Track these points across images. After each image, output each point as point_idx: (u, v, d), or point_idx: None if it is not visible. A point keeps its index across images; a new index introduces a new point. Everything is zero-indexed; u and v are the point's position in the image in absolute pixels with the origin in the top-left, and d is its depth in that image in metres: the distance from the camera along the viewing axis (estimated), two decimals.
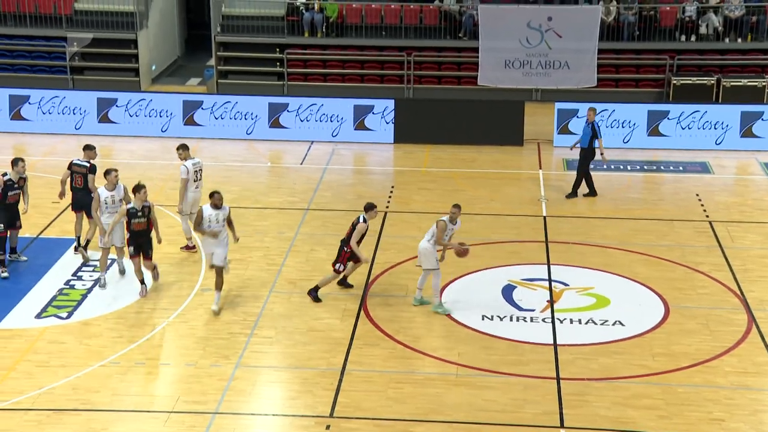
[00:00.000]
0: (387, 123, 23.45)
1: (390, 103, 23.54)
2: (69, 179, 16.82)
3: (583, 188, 20.25)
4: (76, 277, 16.29)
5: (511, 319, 15.21)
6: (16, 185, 16.02)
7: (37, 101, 23.53)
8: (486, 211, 19.50)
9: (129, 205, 15.31)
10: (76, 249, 16.88)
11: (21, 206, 16.19)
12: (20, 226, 16.41)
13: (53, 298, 15.54)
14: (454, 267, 16.85)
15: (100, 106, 23.53)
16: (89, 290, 15.84)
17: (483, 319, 15.18)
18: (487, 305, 15.57)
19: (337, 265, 15.50)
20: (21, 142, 22.95)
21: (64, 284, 16.01)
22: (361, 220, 15.31)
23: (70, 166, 16.86)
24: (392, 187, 20.89)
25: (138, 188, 15.23)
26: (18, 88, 23.93)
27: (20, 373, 13.47)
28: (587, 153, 19.96)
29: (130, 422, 12.43)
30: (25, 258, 16.59)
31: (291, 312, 15.30)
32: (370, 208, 15.40)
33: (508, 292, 16.06)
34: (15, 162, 16.02)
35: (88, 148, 17.09)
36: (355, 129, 23.50)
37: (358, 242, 15.33)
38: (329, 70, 26.41)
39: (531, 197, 20.25)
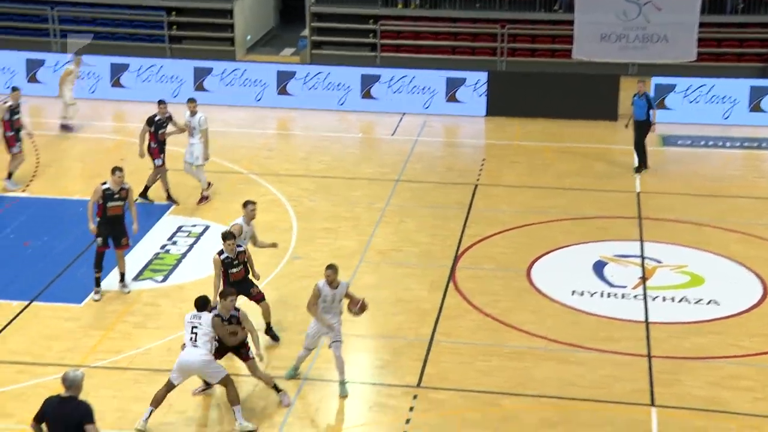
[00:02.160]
0: (479, 96, 23.29)
1: (483, 76, 23.36)
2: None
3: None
4: (171, 242, 16.66)
5: (601, 295, 15.03)
6: (116, 195, 14.59)
7: (136, 69, 24.02)
8: (577, 186, 19.26)
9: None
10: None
11: (134, 226, 14.81)
12: (127, 245, 14.84)
13: (149, 262, 15.92)
14: (546, 241, 16.73)
15: (197, 75, 23.91)
16: (184, 255, 16.18)
17: (573, 294, 15.04)
18: (577, 281, 15.41)
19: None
20: (120, 109, 23.48)
21: (160, 248, 16.38)
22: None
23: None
24: (483, 159, 20.78)
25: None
26: (118, 56, 24.46)
27: (118, 333, 13.87)
28: (645, 125, 19.58)
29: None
30: (128, 290, 14.91)
31: (380, 282, 15.39)
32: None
33: (599, 268, 15.86)
34: (113, 171, 14.69)
35: (161, 103, 18.01)
36: (446, 101, 23.41)
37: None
38: (422, 41, 26.31)
39: (622, 173, 19.91)
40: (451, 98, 23.38)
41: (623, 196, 18.73)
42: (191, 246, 16.48)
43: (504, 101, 23.12)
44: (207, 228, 17.06)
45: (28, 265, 15.72)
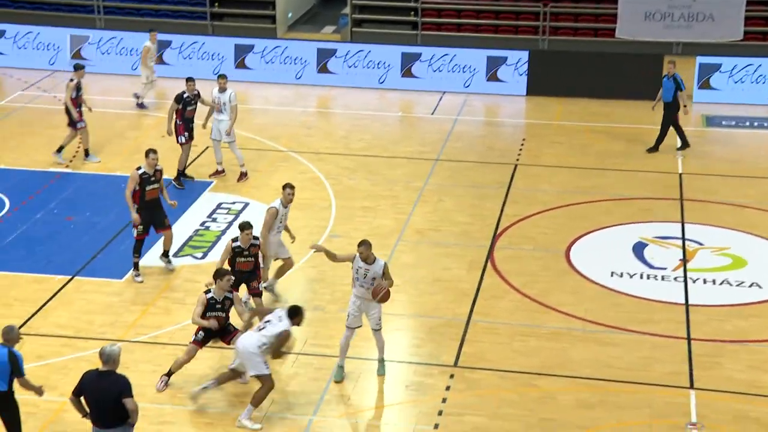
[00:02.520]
0: (520, 75, 23.13)
1: (524, 55, 23.19)
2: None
3: (670, 142, 19.68)
4: (211, 219, 16.77)
5: (641, 277, 14.92)
6: (152, 178, 14.41)
7: (178, 46, 24.16)
8: (618, 166, 19.10)
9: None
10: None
11: (171, 203, 14.82)
12: (170, 225, 14.81)
13: (189, 239, 16.04)
14: (585, 222, 16.62)
15: (238, 52, 23.99)
16: (223, 232, 16.28)
17: (612, 275, 14.94)
18: (616, 262, 15.31)
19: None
20: (161, 86, 23.59)
21: (200, 225, 16.51)
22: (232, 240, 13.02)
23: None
24: (523, 139, 20.66)
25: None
26: (161, 33, 24.52)
27: (159, 308, 14.02)
28: (672, 106, 19.41)
29: None
30: (173, 267, 14.95)
31: (418, 261, 15.39)
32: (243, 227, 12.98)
33: (639, 249, 15.74)
34: (147, 153, 14.50)
35: (189, 80, 17.83)
36: (487, 80, 23.28)
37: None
38: (463, 20, 26.14)
39: (666, 154, 19.70)
40: (492, 77, 23.24)
41: (665, 177, 18.54)
42: (231, 223, 16.57)
43: (545, 80, 22.94)
44: (246, 205, 17.15)
45: (70, 240, 15.93)
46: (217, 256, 15.40)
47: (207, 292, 12.04)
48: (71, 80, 18.62)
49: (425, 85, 23.42)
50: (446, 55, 23.40)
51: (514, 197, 17.64)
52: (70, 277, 14.78)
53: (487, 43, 24.78)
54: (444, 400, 12.03)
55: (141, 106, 21.96)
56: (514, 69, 23.14)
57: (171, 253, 15.29)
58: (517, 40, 25.40)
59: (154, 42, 21.98)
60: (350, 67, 23.66)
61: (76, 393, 9.84)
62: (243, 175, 18.13)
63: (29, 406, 11.69)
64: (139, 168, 14.53)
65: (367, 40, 25.10)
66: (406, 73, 23.53)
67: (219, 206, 17.23)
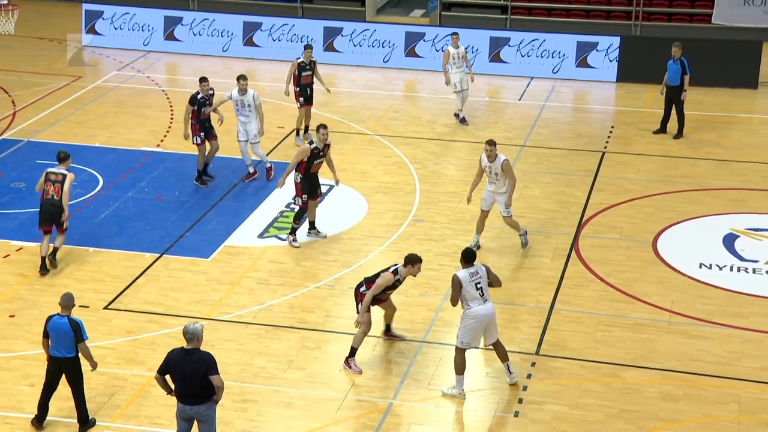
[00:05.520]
0: (611, 61, 22.74)
1: (615, 41, 22.78)
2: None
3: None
4: (295, 201, 16.87)
5: (731, 269, 14.57)
6: (321, 153, 15.07)
7: (268, 28, 24.39)
8: (711, 156, 18.65)
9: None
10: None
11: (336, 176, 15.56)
12: (321, 194, 15.65)
13: (274, 220, 16.22)
14: (674, 212, 16.31)
15: (326, 34, 24.10)
16: None
17: (701, 267, 14.63)
18: (705, 253, 14.98)
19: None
20: (252, 67, 23.86)
21: (285, 206, 16.67)
22: (392, 270, 12.30)
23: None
24: (612, 127, 20.32)
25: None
26: (252, 15, 24.86)
27: (243, 288, 14.22)
28: (678, 90, 19.07)
29: (342, 344, 12.87)
30: (325, 234, 15.59)
31: (502, 248, 15.30)
32: (411, 261, 12.22)
33: (729, 241, 15.37)
34: (318, 129, 15.10)
35: (203, 80, 17.18)
36: (576, 66, 22.95)
37: (376, 297, 12.29)
38: (554, 4, 25.79)
39: (761, 143, 19.17)
40: (582, 63, 22.90)
41: (760, 168, 18.04)
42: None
43: (636, 67, 22.50)
44: (331, 188, 17.25)
45: (160, 219, 16.26)
46: (301, 237, 15.58)
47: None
48: (297, 59, 18.74)
49: (513, 70, 23.20)
50: (535, 39, 23.14)
51: (601, 185, 17.38)
52: (158, 255, 15.10)
53: (578, 28, 24.42)
54: (525, 388, 11.95)
55: (462, 121, 20.31)
56: (605, 55, 22.75)
57: (257, 234, 15.55)
58: (609, 25, 24.97)
59: (457, 45, 19.83)
60: (438, 51, 23.55)
61: (162, 371, 10.06)
62: (268, 171, 17.58)
63: (118, 380, 12.01)
64: (311, 142, 15.05)
65: (455, 24, 24.96)
66: (495, 57, 23.34)
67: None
